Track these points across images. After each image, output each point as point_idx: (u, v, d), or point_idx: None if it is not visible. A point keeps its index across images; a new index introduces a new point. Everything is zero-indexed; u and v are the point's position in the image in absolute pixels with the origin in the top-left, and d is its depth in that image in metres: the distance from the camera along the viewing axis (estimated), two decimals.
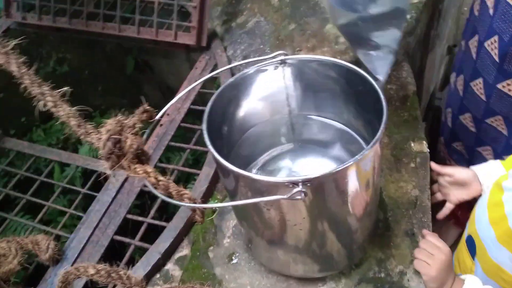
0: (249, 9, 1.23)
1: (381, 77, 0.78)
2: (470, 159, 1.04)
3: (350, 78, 0.65)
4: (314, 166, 0.75)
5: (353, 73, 0.64)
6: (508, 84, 0.84)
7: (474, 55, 0.91)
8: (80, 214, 0.91)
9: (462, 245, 0.75)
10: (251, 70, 0.68)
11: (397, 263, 0.72)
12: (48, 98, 0.58)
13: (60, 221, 0.94)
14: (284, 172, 0.74)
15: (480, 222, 0.68)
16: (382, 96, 0.58)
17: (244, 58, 1.14)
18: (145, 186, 0.93)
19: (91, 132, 0.59)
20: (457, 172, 0.76)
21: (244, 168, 0.58)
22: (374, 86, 0.60)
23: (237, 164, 0.53)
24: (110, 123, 0.58)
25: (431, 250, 0.66)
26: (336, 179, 0.53)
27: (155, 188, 0.59)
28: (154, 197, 0.90)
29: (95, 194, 0.92)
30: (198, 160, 1.23)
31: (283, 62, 0.69)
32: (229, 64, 1.14)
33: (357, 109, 0.68)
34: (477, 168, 0.76)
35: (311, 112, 0.74)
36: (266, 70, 0.69)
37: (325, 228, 0.61)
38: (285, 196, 0.49)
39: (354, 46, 0.87)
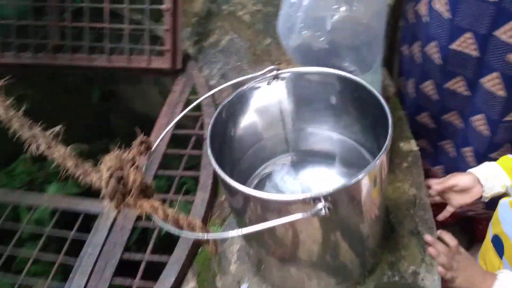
0: (220, 28, 1.22)
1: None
2: (435, 153, 1.06)
3: (345, 86, 0.65)
4: (316, 177, 0.74)
5: (349, 80, 0.64)
6: (454, 83, 0.88)
7: (419, 60, 0.94)
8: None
9: (488, 245, 0.76)
10: (245, 88, 0.67)
11: (408, 263, 0.72)
12: (41, 140, 0.54)
13: (33, 270, 0.86)
14: (288, 186, 0.73)
15: (507, 223, 0.69)
16: (383, 101, 0.58)
17: (222, 77, 1.13)
18: (138, 219, 0.90)
19: (90, 172, 0.56)
20: (461, 180, 0.77)
21: (244, 183, 0.56)
22: (372, 92, 0.61)
23: (238, 181, 0.52)
24: (109, 159, 0.56)
25: (451, 260, 0.67)
26: (353, 190, 0.52)
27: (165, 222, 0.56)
28: (152, 230, 0.86)
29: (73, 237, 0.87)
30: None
31: (276, 77, 0.68)
32: (207, 84, 1.12)
33: (354, 117, 0.68)
34: (477, 171, 0.78)
35: (307, 124, 0.74)
36: (260, 87, 0.68)
37: (340, 239, 0.60)
38: (308, 214, 0.48)
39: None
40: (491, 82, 0.79)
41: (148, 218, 0.58)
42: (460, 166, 0.98)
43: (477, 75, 0.82)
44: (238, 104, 0.67)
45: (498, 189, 0.74)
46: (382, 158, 0.52)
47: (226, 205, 0.87)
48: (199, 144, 0.99)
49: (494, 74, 0.77)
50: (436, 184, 0.80)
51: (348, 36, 0.71)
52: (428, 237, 0.74)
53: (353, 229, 0.61)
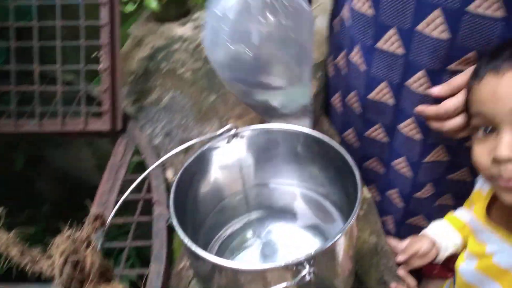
0: (161, 85, 1.20)
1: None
2: (363, 174, 1.09)
3: (305, 142, 0.66)
4: (280, 235, 0.72)
5: (308, 136, 0.64)
6: (374, 131, 0.93)
7: (344, 71, 0.96)
8: None
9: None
10: (204, 148, 0.64)
11: None
12: None
13: None
14: (255, 247, 0.70)
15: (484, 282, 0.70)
16: (346, 155, 0.59)
17: (167, 135, 1.09)
18: None
19: (39, 259, 0.49)
20: (422, 247, 0.79)
21: (206, 248, 0.53)
22: (334, 146, 0.61)
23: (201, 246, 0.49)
24: (61, 242, 0.49)
25: None
26: (333, 250, 0.50)
27: None
28: None
29: None
30: (140, 256, 1.10)
31: (235, 135, 0.66)
32: (150, 144, 1.08)
33: (317, 170, 0.68)
34: (431, 233, 0.81)
35: (269, 180, 0.72)
36: (219, 147, 0.66)
37: None
38: (294, 282, 0.45)
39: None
40: (408, 127, 0.84)
41: None
42: (386, 208, 1.02)
43: (395, 122, 0.86)
44: (198, 165, 0.64)
45: (451, 249, 0.78)
46: (357, 212, 0.51)
47: (183, 274, 0.80)
48: (147, 209, 0.93)
49: (409, 120, 0.82)
50: (401, 256, 0.81)
51: (276, 50, 0.72)
52: (392, 285, 0.75)
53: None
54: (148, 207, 0.94)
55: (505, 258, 0.66)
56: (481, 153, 0.58)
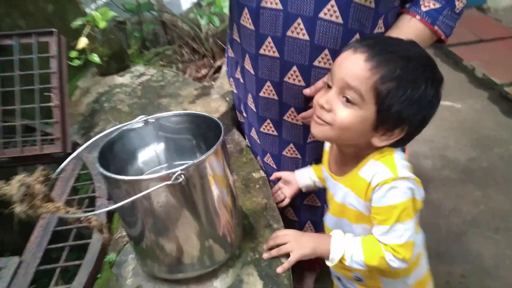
0: (104, 120, 1.47)
1: None
2: (265, 167, 1.31)
3: (198, 122, 0.94)
4: None
5: (198, 116, 0.93)
6: (264, 91, 1.14)
7: (241, 80, 1.23)
8: None
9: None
10: (123, 128, 0.91)
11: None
12: None
13: None
14: None
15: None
16: (219, 122, 0.88)
17: None
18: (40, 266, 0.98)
19: (1, 186, 0.73)
20: (283, 174, 1.13)
21: None
22: (214, 119, 0.90)
23: None
24: (18, 178, 0.74)
25: (272, 241, 0.94)
26: (201, 167, 0.77)
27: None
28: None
29: None
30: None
31: (146, 122, 0.94)
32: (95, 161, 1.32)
33: (206, 144, 0.94)
34: (296, 172, 1.13)
35: (175, 160, 0.99)
36: (134, 129, 0.93)
37: (204, 221, 0.82)
38: (169, 182, 0.71)
39: None
40: (291, 117, 1.12)
41: None
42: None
43: (281, 115, 1.14)
44: (119, 142, 0.91)
45: (307, 180, 1.10)
46: (218, 147, 0.79)
47: (119, 240, 1.03)
48: (92, 203, 1.16)
49: (291, 110, 1.10)
50: (276, 174, 1.16)
51: None
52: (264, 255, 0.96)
53: (212, 214, 0.83)
54: (92, 201, 1.17)
55: (340, 196, 0.94)
56: (316, 99, 0.87)
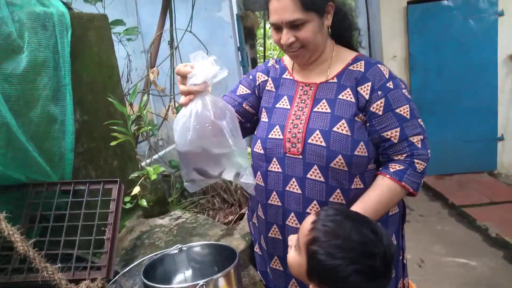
0: (143, 253, 1.75)
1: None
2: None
3: (219, 251, 1.21)
4: None
5: (219, 246, 1.21)
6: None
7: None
8: None
9: None
10: (163, 253, 1.19)
11: None
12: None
13: None
14: None
15: None
16: (235, 250, 1.15)
17: None
18: None
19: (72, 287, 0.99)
20: None
21: None
22: (232, 248, 1.17)
23: None
24: (85, 282, 1.01)
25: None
26: (217, 282, 1.01)
27: None
28: None
29: None
30: None
31: (180, 250, 1.22)
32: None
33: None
34: None
35: (198, 279, 1.23)
36: (171, 255, 1.21)
37: None
38: None
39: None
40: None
41: None
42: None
43: (285, 253, 1.37)
44: (159, 264, 1.18)
45: None
46: (232, 267, 1.05)
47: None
48: None
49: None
50: None
51: (217, 135, 1.08)
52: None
53: None
54: None
55: None
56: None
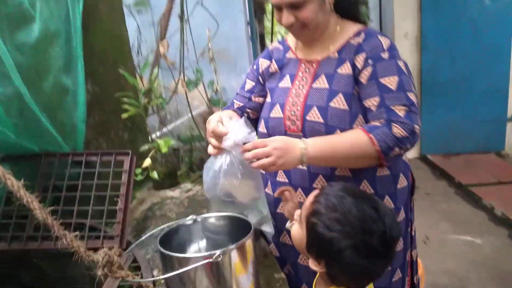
0: (155, 224, 1.78)
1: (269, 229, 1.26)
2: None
3: (234, 222, 1.22)
4: None
5: (234, 217, 1.22)
6: None
7: None
8: None
9: None
10: (178, 223, 1.21)
11: None
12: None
13: None
14: None
15: None
16: (250, 222, 1.16)
17: (155, 252, 1.61)
18: None
19: (91, 254, 1.01)
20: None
21: None
22: (246, 220, 1.18)
23: None
24: (103, 249, 1.03)
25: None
26: (234, 252, 1.03)
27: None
28: None
29: None
30: None
31: (194, 220, 1.24)
32: (145, 257, 1.59)
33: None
34: None
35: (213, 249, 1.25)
36: (186, 225, 1.22)
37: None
38: (211, 260, 0.97)
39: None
40: None
41: None
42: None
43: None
44: (174, 234, 1.19)
45: None
46: (250, 237, 1.06)
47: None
48: None
49: None
50: None
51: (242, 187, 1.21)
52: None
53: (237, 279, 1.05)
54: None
55: None
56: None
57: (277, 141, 1.15)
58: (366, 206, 0.88)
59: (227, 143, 1.15)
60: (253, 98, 1.50)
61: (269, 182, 1.44)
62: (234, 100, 1.55)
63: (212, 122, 1.24)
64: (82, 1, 1.84)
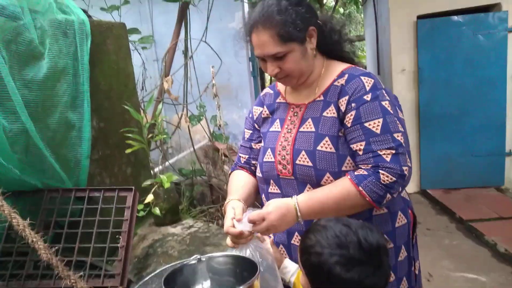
0: (156, 262, 1.75)
1: None
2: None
3: (239, 262, 1.20)
4: None
5: (239, 257, 1.20)
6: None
7: None
8: None
9: None
10: (185, 263, 1.19)
11: None
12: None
13: None
14: None
15: None
16: (256, 262, 1.14)
17: None
18: None
19: None
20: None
21: None
22: (252, 260, 1.17)
23: None
24: None
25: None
26: None
27: None
28: None
29: None
30: None
31: (199, 260, 1.22)
32: None
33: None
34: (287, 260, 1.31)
35: None
36: (190, 265, 1.20)
37: None
38: None
39: None
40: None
41: None
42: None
43: None
44: (178, 274, 1.17)
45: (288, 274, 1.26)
46: (254, 280, 1.04)
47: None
48: None
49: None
50: None
51: None
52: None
53: None
54: None
55: None
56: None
57: (272, 214, 1.19)
58: (336, 225, 0.99)
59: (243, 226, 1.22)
60: (253, 146, 1.52)
61: (262, 195, 1.45)
62: (240, 155, 1.57)
63: (226, 222, 1.27)
64: (90, 39, 1.88)
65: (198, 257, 1.22)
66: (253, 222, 1.19)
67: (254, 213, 1.22)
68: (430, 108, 4.56)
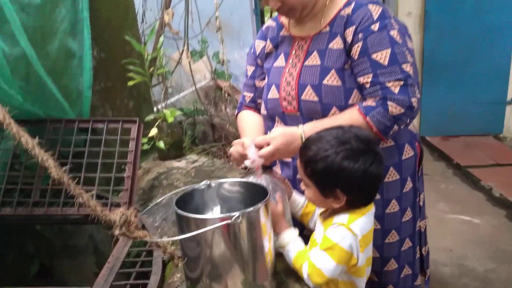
0: (161, 193, 1.76)
1: None
2: None
3: (248, 188, 1.21)
4: None
5: (249, 183, 1.20)
6: None
7: None
8: None
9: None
10: (196, 187, 1.19)
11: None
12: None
13: None
14: None
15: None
16: (265, 187, 1.14)
17: (164, 220, 1.60)
18: None
19: (108, 214, 1.00)
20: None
21: None
22: (262, 186, 1.17)
23: None
24: (120, 209, 1.01)
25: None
26: (253, 215, 1.02)
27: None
28: None
29: None
30: None
31: (208, 186, 1.22)
32: (153, 224, 1.57)
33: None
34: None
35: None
36: (200, 190, 1.21)
37: (247, 259, 1.04)
38: (229, 221, 0.96)
39: None
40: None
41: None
42: None
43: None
44: (188, 197, 1.17)
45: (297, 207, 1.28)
46: (267, 202, 1.05)
47: (172, 285, 1.23)
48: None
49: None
50: None
51: None
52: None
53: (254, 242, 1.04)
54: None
55: (318, 234, 1.15)
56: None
57: (277, 138, 1.18)
58: (332, 130, 1.08)
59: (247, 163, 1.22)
60: (257, 84, 1.47)
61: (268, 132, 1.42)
62: (244, 93, 1.52)
63: (234, 153, 1.26)
64: None
65: (208, 182, 1.22)
66: (259, 147, 1.18)
67: (260, 138, 1.21)
68: (434, 54, 4.46)
